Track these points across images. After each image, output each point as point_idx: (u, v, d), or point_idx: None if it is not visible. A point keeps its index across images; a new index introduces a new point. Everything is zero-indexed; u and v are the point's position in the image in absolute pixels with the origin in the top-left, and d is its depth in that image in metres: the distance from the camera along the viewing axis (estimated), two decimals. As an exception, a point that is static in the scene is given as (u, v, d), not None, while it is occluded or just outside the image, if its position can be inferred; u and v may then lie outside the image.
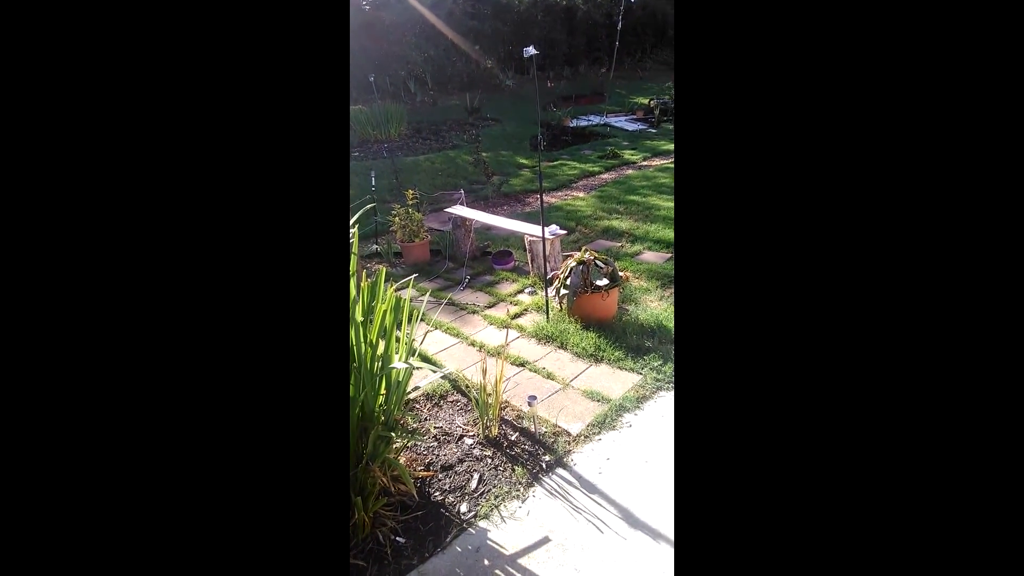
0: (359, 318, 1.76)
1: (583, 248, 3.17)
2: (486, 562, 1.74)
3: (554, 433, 2.28)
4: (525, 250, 3.91)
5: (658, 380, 2.56)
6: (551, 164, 7.02)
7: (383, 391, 1.90)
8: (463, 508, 1.95)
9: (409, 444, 2.18)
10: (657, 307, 3.25)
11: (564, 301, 3.14)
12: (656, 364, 2.66)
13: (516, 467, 2.11)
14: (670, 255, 4.01)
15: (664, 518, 1.83)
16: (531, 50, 2.86)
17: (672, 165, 6.61)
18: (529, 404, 2.26)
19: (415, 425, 2.40)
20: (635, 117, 9.71)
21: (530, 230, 3.65)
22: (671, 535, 1.76)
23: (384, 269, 2.13)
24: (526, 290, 3.67)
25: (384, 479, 1.88)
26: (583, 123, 9.40)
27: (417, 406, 2.55)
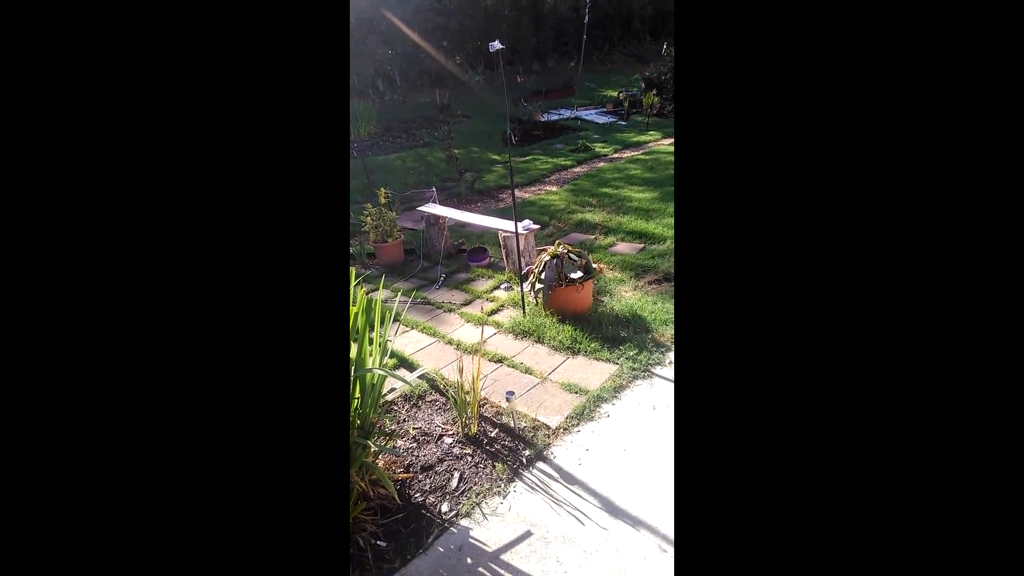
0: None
1: (556, 242, 3.18)
2: (469, 560, 1.73)
3: (533, 427, 2.28)
4: (500, 246, 3.90)
5: (634, 369, 2.59)
6: (523, 159, 7.01)
7: (357, 395, 1.87)
8: (444, 508, 1.94)
9: (387, 447, 2.16)
10: (631, 297, 3.28)
11: (539, 295, 3.14)
12: (632, 353, 2.69)
13: (496, 463, 2.11)
14: (643, 246, 4.05)
15: (644, 505, 1.85)
16: (496, 44, 2.85)
17: (643, 157, 6.67)
18: (507, 400, 2.26)
19: (393, 427, 2.37)
20: (605, 110, 9.75)
21: (504, 226, 3.64)
22: (651, 521, 1.79)
23: (354, 270, 2.10)
24: (502, 286, 3.66)
25: (362, 484, 1.86)
26: (554, 117, 9.40)
27: (395, 407, 2.52)
